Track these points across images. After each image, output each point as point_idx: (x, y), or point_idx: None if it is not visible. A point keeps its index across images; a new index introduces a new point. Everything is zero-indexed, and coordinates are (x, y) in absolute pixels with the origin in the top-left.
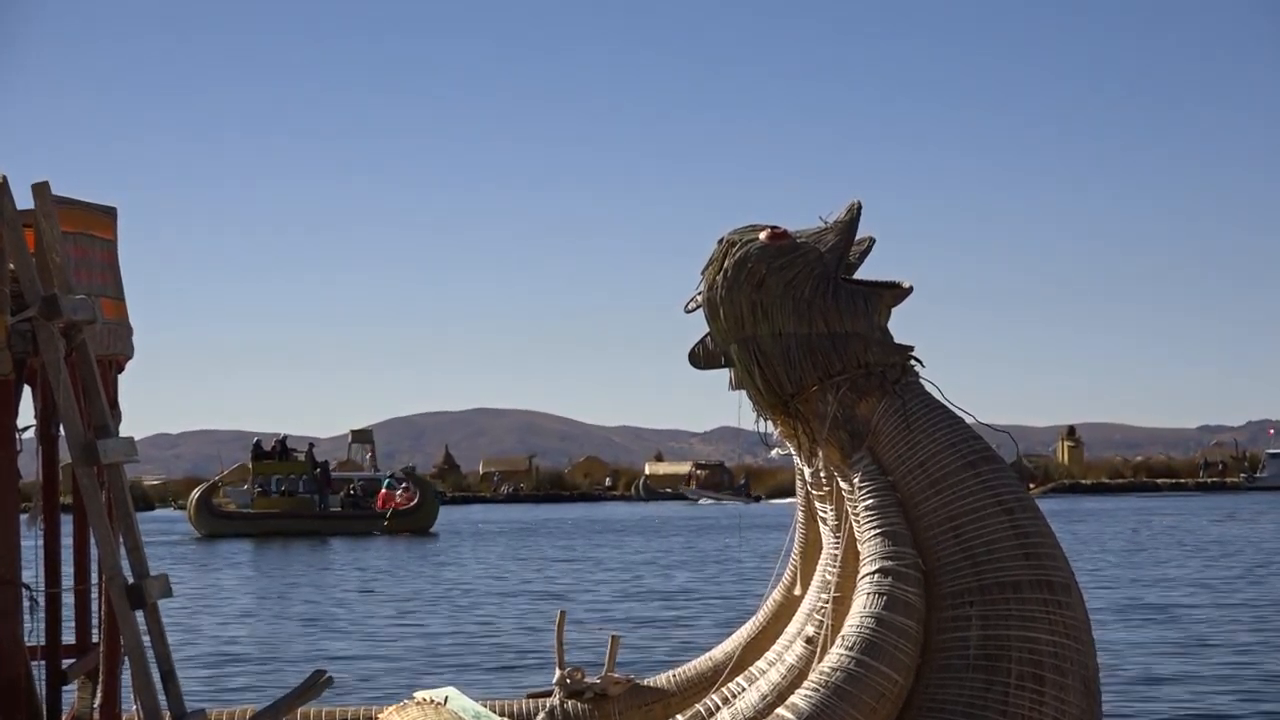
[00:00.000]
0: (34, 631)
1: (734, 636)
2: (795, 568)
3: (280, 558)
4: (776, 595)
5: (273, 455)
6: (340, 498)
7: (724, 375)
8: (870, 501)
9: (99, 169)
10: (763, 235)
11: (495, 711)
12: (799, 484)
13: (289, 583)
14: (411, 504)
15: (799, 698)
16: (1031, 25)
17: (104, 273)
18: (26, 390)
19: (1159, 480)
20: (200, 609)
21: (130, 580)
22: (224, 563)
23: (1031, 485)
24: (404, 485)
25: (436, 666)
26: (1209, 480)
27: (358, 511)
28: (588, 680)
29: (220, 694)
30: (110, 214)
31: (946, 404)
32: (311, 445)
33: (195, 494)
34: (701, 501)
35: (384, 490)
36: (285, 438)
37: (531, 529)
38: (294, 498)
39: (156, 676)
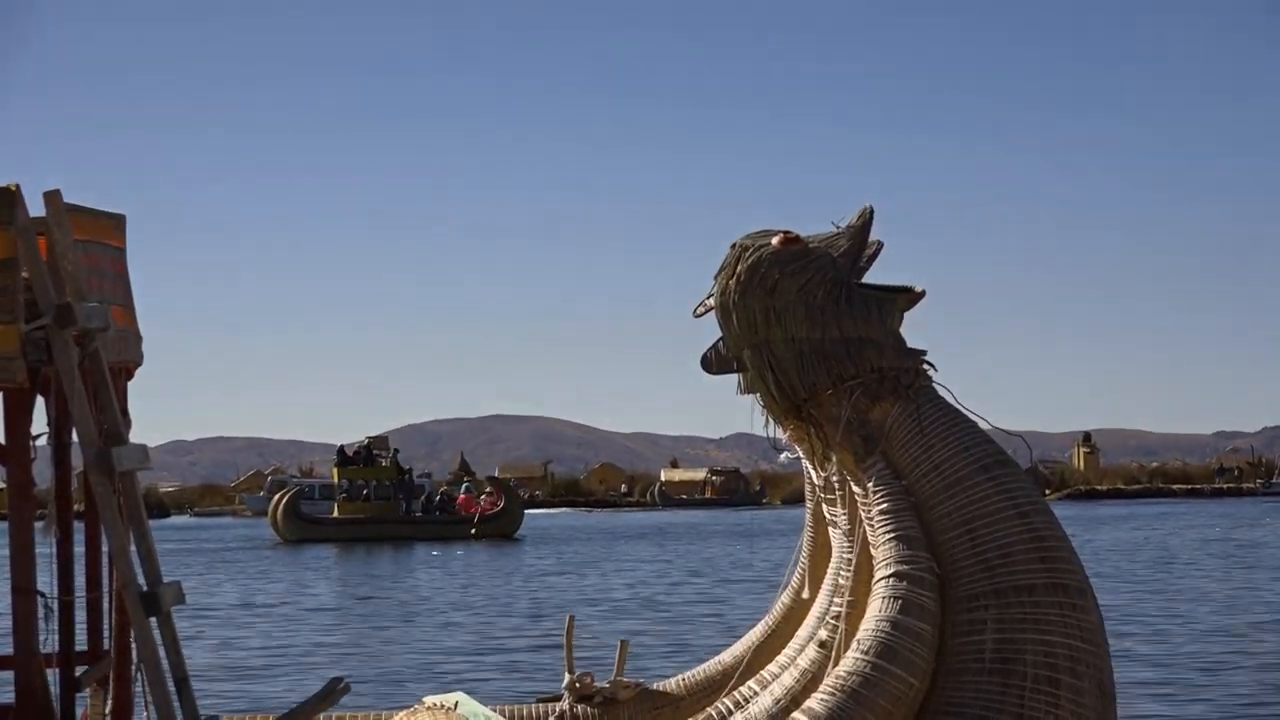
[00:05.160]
0: (48, 639)
1: (743, 640)
2: (804, 571)
3: (362, 564)
4: (785, 599)
5: (357, 460)
6: (421, 502)
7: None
8: (884, 506)
9: (108, 175)
10: (775, 240)
11: (504, 716)
12: (808, 489)
13: (359, 588)
14: (497, 509)
15: (815, 701)
16: (1053, 27)
17: (114, 281)
18: (39, 398)
19: (1175, 486)
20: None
21: (145, 588)
22: (307, 569)
23: (1047, 492)
24: (486, 490)
25: (450, 671)
26: (1225, 486)
27: (443, 516)
28: (597, 685)
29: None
30: (119, 221)
31: (960, 408)
32: (396, 450)
33: (279, 500)
34: None
35: (462, 495)
36: (369, 442)
37: (613, 535)
38: (379, 503)
39: (170, 684)
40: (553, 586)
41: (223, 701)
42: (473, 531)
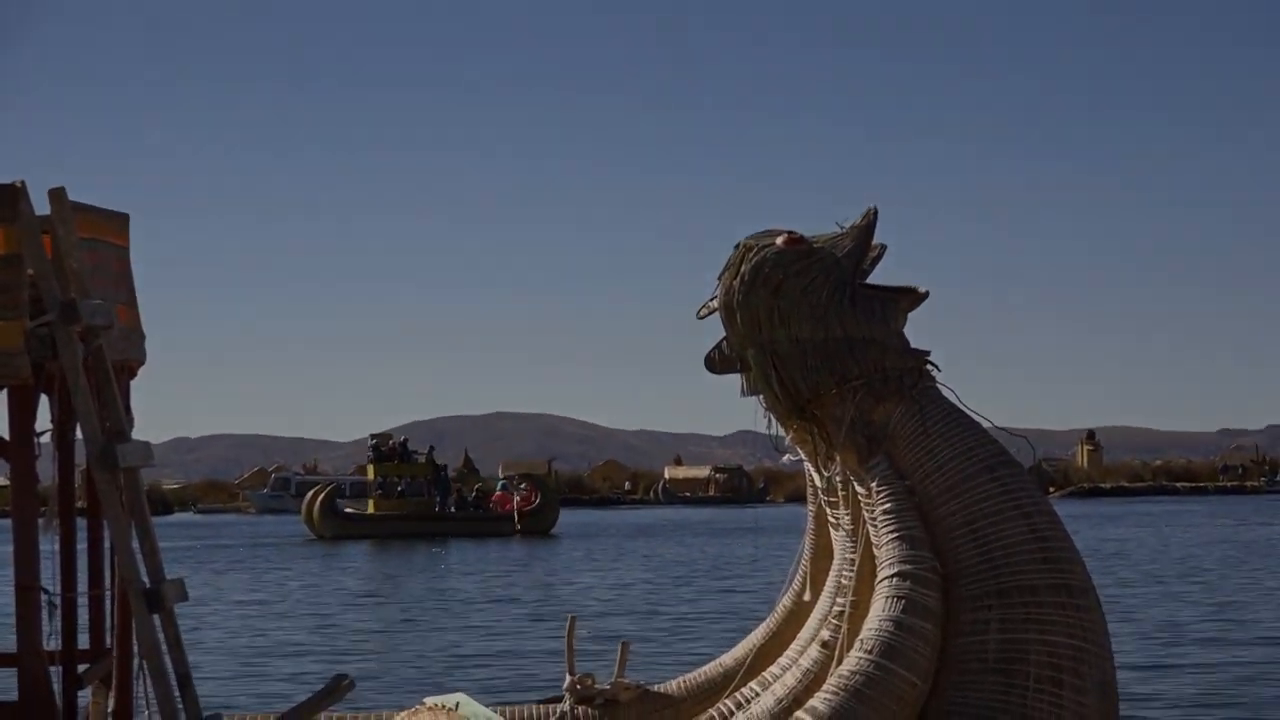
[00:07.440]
0: (51, 636)
1: (744, 642)
2: (805, 573)
3: (390, 561)
4: (787, 601)
5: (393, 457)
6: (455, 499)
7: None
8: (887, 506)
9: (111, 172)
10: (780, 240)
11: (506, 717)
12: (809, 489)
13: (376, 585)
14: (533, 506)
15: (818, 700)
16: (1053, 23)
17: (117, 279)
18: (43, 395)
19: (1178, 484)
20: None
21: (148, 584)
22: (335, 565)
23: (1051, 489)
24: (522, 486)
25: (456, 670)
26: (1229, 484)
27: (479, 513)
28: (598, 686)
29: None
30: (123, 220)
31: (963, 409)
32: (432, 447)
33: (314, 496)
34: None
35: (499, 492)
36: (405, 439)
37: (645, 531)
38: (415, 500)
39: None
40: (574, 586)
41: (226, 698)
42: (517, 527)
